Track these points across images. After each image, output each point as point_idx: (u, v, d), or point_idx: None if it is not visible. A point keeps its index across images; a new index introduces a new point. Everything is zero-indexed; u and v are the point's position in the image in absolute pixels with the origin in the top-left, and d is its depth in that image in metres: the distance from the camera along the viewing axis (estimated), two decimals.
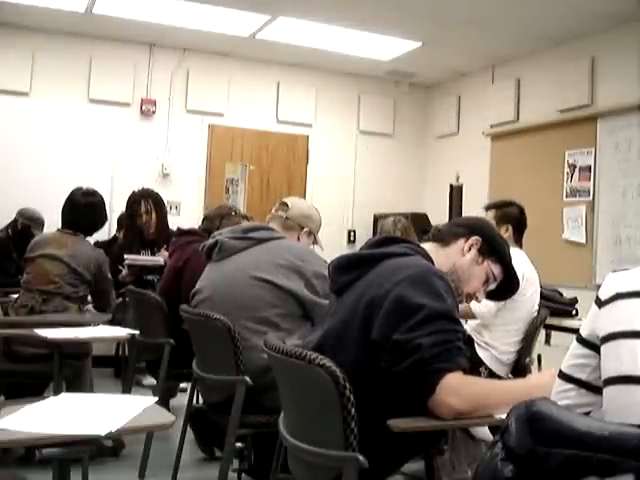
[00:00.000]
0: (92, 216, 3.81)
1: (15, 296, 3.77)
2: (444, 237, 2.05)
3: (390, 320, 1.71)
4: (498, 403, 1.68)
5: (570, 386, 1.36)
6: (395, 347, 1.67)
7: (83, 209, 3.76)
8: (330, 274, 2.03)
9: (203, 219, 4.03)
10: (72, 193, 3.82)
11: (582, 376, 1.34)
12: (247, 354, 2.54)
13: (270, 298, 2.64)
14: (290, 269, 2.67)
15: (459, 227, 2.08)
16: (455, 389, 1.64)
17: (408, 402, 1.68)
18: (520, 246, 3.69)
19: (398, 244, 1.95)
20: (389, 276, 1.78)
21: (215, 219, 3.89)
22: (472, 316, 3.49)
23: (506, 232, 3.57)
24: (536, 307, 3.63)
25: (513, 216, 3.68)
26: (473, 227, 2.07)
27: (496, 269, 2.05)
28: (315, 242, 3.03)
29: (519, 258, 3.50)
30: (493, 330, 3.49)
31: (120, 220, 5.56)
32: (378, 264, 1.87)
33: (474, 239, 2.02)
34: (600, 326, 1.29)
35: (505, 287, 2.11)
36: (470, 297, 2.04)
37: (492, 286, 2.07)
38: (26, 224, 5.11)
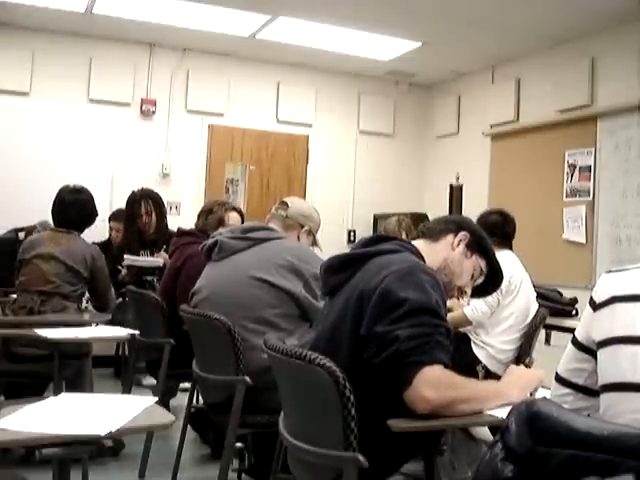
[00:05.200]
0: (81, 212, 3.81)
1: (15, 296, 3.77)
2: (433, 233, 2.09)
3: (375, 313, 1.71)
4: (472, 399, 1.68)
5: (567, 390, 1.35)
6: (375, 339, 1.68)
7: (71, 206, 3.77)
8: (321, 276, 2.04)
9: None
10: (60, 191, 3.85)
11: (579, 381, 1.33)
12: (247, 354, 2.54)
13: (269, 298, 2.64)
14: (289, 270, 2.67)
15: (447, 223, 2.12)
16: (432, 383, 1.61)
17: (400, 399, 1.66)
18: (510, 248, 3.78)
19: (387, 242, 1.97)
20: (377, 272, 1.79)
21: (201, 216, 3.99)
22: (465, 325, 3.56)
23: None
24: (534, 306, 3.67)
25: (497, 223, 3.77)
26: (460, 223, 2.12)
27: (482, 263, 2.10)
28: (315, 243, 3.04)
29: (507, 260, 3.58)
30: (488, 329, 3.57)
31: (113, 217, 5.50)
32: (367, 262, 1.88)
33: (462, 234, 2.07)
34: (596, 330, 1.27)
35: (490, 281, 2.16)
36: (461, 291, 2.08)
37: (479, 280, 2.12)
38: None
